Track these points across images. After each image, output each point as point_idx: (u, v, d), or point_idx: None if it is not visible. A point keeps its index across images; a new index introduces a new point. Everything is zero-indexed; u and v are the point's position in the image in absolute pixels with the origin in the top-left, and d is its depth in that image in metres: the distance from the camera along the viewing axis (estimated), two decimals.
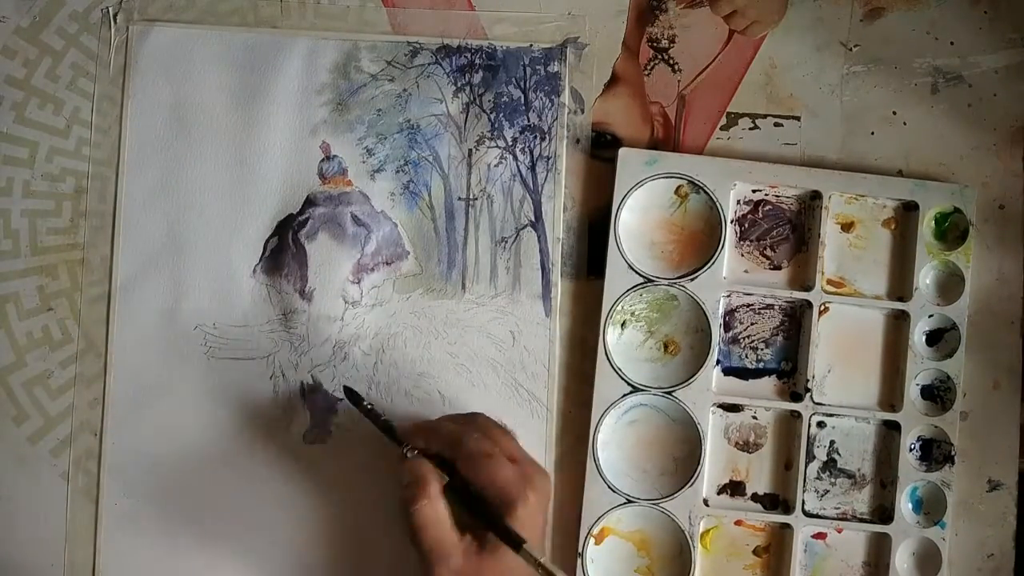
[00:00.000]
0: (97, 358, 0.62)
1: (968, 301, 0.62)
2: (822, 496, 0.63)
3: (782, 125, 0.64)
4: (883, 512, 0.62)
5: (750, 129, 0.64)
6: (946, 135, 0.64)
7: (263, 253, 0.63)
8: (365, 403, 0.59)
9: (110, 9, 0.63)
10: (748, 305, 0.63)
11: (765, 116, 0.64)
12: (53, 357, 0.62)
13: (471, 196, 0.64)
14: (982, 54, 0.65)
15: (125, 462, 0.62)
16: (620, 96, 0.64)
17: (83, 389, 0.62)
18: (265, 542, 0.62)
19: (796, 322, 0.63)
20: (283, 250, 0.63)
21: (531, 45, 0.64)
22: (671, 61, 0.65)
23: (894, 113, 0.65)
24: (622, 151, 0.62)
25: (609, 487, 0.61)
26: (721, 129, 0.64)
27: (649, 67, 0.65)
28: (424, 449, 0.55)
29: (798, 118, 0.64)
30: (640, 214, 0.63)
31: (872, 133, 0.64)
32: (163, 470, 0.62)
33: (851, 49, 0.65)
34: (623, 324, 0.63)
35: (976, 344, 0.63)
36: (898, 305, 0.62)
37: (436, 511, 0.52)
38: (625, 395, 0.61)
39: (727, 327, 0.63)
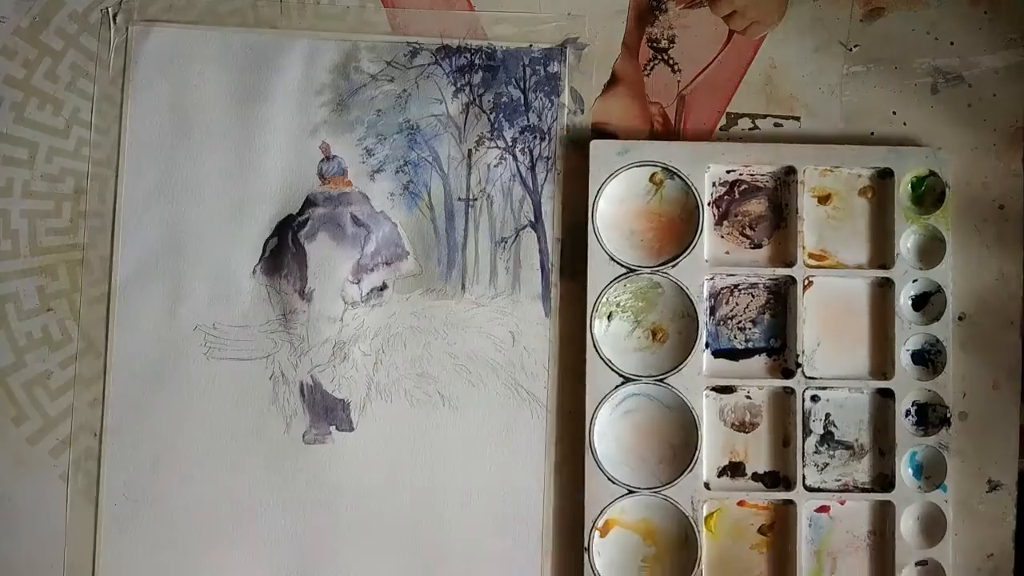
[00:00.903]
0: (97, 358, 0.62)
1: (952, 262, 0.62)
2: (822, 469, 0.63)
3: (782, 125, 0.64)
4: (884, 480, 0.62)
5: (750, 129, 0.64)
6: (946, 135, 0.64)
7: (263, 254, 0.63)
8: None
9: (110, 9, 0.63)
10: (732, 286, 0.63)
11: (765, 116, 0.64)
12: (53, 357, 0.62)
13: (471, 196, 0.64)
14: (982, 54, 0.65)
15: (125, 463, 0.62)
16: (620, 96, 0.65)
17: (83, 390, 0.62)
18: (264, 543, 0.62)
19: (781, 298, 0.63)
20: (283, 250, 0.63)
21: (531, 45, 0.64)
22: (671, 61, 0.65)
23: (894, 113, 0.65)
24: (593, 143, 0.62)
25: (609, 479, 0.61)
26: (721, 129, 0.64)
27: (649, 67, 0.65)
28: None
29: (798, 118, 0.64)
30: (617, 204, 0.63)
31: (872, 133, 0.64)
32: (162, 471, 0.62)
33: (851, 49, 0.65)
34: (609, 316, 0.63)
35: (976, 344, 0.63)
36: (881, 273, 0.63)
37: None
38: (617, 386, 0.61)
39: (713, 310, 0.63)
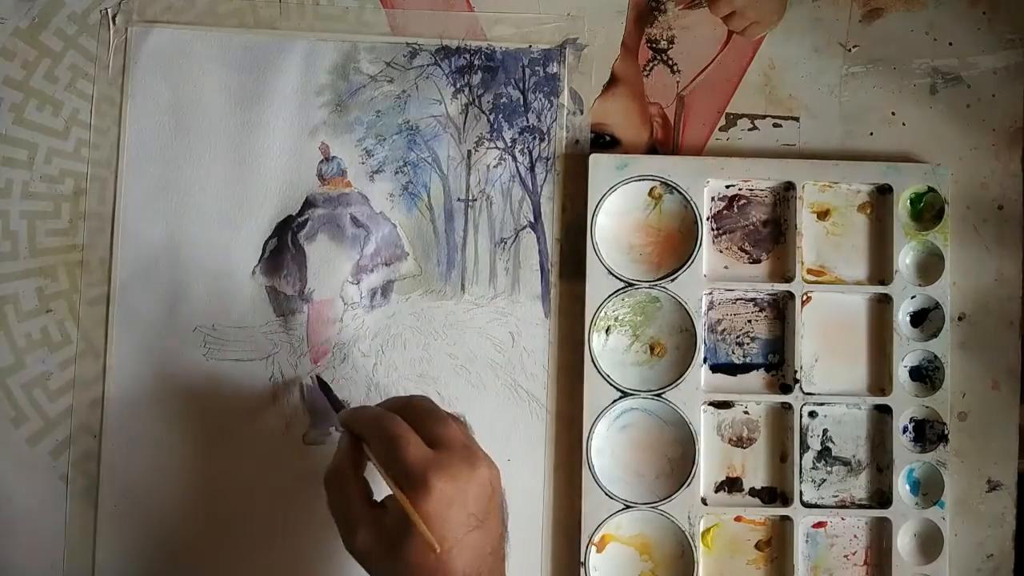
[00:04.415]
0: (96, 360, 0.62)
1: (949, 279, 0.62)
2: (819, 485, 0.63)
3: (781, 126, 0.64)
4: (881, 496, 0.62)
5: (749, 130, 0.64)
6: (945, 136, 0.64)
7: (262, 254, 0.63)
8: (334, 393, 0.61)
9: (109, 10, 0.63)
10: (731, 301, 0.63)
11: (764, 117, 0.65)
12: (52, 359, 0.62)
13: (470, 197, 0.64)
14: (981, 54, 0.65)
15: (124, 464, 0.62)
16: (619, 97, 0.65)
17: (82, 391, 0.62)
18: (264, 543, 0.62)
19: (780, 314, 0.63)
20: (282, 251, 0.63)
21: (530, 46, 0.64)
22: (670, 62, 0.65)
23: (893, 114, 0.65)
24: (592, 157, 0.62)
25: (606, 494, 0.61)
26: (720, 130, 0.64)
27: (648, 68, 0.65)
28: (349, 430, 0.54)
29: (797, 119, 0.64)
30: (616, 218, 0.63)
31: (871, 134, 0.64)
32: (162, 471, 0.62)
33: (850, 50, 0.65)
34: (607, 330, 0.62)
35: (975, 345, 0.63)
36: (880, 289, 0.63)
37: (344, 485, 0.52)
38: (615, 401, 0.61)
39: (711, 324, 0.63)
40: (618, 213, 0.63)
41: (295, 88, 0.63)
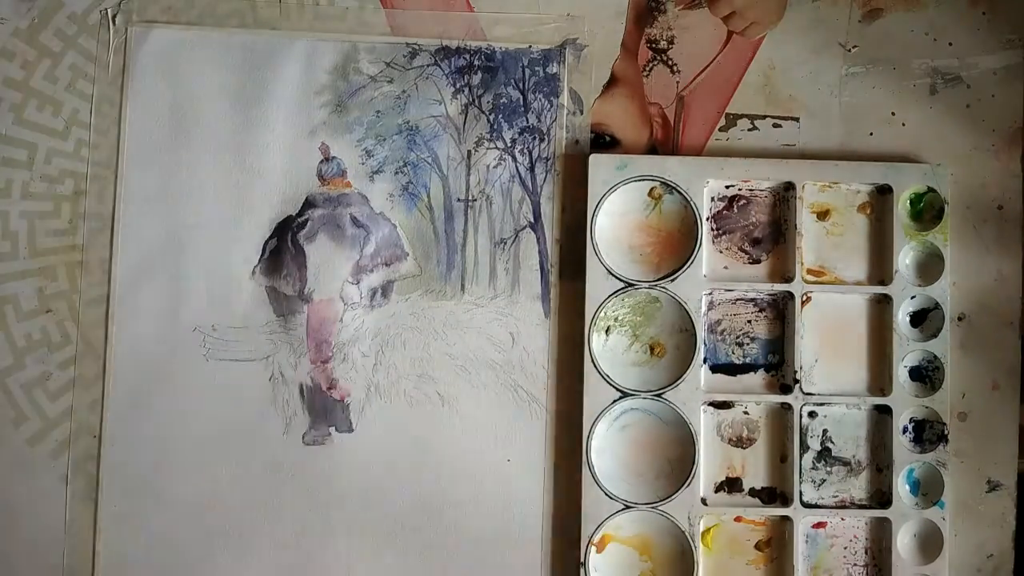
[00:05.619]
0: (96, 360, 0.62)
1: (949, 279, 0.62)
2: (819, 485, 0.63)
3: (781, 126, 0.65)
4: (881, 496, 0.62)
5: (749, 130, 0.64)
6: (945, 136, 0.64)
7: (262, 255, 0.63)
8: None
9: (109, 11, 0.63)
10: (731, 301, 0.63)
11: (764, 117, 0.65)
12: (52, 359, 0.62)
13: (470, 197, 0.64)
14: (980, 55, 0.65)
15: (124, 464, 0.62)
16: (619, 97, 0.65)
17: (82, 391, 0.62)
18: (263, 543, 0.62)
19: (780, 314, 0.63)
20: (282, 252, 0.63)
21: (530, 46, 0.64)
22: (670, 62, 0.65)
23: (893, 114, 0.65)
24: (592, 157, 0.62)
25: (606, 494, 0.61)
26: (720, 130, 0.64)
27: (648, 68, 0.65)
28: None
29: (797, 119, 0.65)
30: (616, 219, 0.63)
31: (871, 134, 0.64)
32: (162, 472, 0.62)
33: (850, 50, 0.65)
34: (607, 330, 0.62)
35: (975, 345, 0.63)
36: (879, 289, 0.63)
37: None
38: (615, 401, 0.61)
39: (711, 324, 0.63)
40: (618, 213, 0.63)
41: (295, 88, 0.63)
